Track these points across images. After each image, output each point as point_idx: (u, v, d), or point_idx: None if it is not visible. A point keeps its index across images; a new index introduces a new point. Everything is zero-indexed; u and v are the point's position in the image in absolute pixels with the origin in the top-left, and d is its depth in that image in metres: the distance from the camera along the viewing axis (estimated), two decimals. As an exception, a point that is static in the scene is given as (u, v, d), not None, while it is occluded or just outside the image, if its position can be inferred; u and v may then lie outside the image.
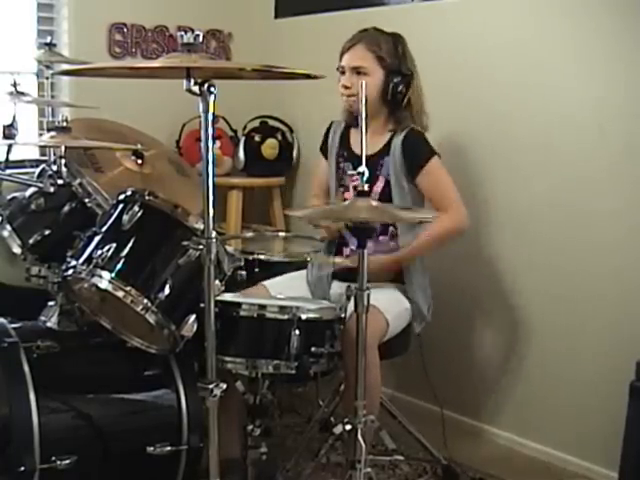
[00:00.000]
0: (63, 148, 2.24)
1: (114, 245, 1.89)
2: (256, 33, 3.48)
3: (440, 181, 2.35)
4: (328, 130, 2.55)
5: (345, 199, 2.40)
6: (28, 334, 2.03)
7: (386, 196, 2.32)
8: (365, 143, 1.89)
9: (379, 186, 2.35)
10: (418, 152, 2.33)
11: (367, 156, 2.33)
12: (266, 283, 2.39)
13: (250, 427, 2.03)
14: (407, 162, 2.33)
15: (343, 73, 2.36)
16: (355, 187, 2.39)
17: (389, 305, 2.24)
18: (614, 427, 2.12)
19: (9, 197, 2.35)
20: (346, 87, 2.34)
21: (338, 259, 2.39)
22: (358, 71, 2.32)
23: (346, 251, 2.43)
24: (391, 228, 2.37)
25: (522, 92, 2.61)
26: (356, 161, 2.39)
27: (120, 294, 1.85)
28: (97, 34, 3.17)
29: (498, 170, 2.72)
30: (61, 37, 3.12)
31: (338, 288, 2.38)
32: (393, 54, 2.32)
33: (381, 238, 2.37)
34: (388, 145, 2.35)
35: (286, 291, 2.29)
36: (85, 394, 2.00)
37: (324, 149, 2.55)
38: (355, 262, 1.80)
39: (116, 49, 3.22)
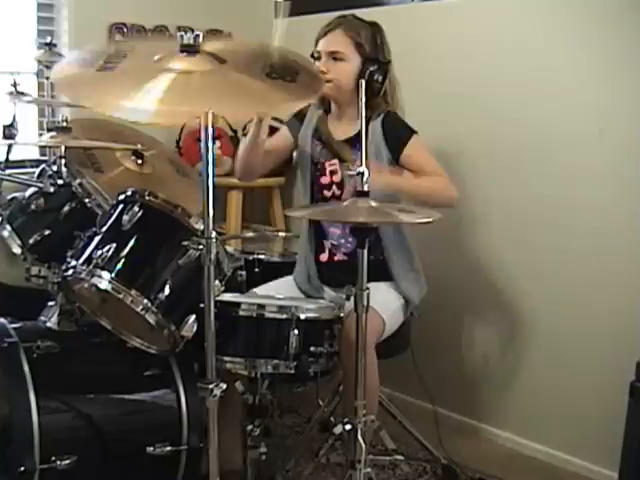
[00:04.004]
0: (63, 148, 2.25)
1: (114, 245, 1.89)
2: (256, 33, 3.46)
3: (422, 155, 2.32)
4: (304, 112, 2.45)
5: (321, 183, 2.39)
6: (28, 334, 2.04)
7: None
8: (365, 142, 1.88)
9: None
10: (399, 132, 2.32)
11: (344, 139, 2.34)
12: (257, 290, 2.37)
13: (250, 427, 2.04)
14: (390, 144, 2.31)
15: (319, 58, 2.32)
16: (332, 172, 2.40)
17: (384, 304, 2.23)
18: (614, 427, 2.12)
19: (9, 197, 2.35)
20: (322, 72, 2.29)
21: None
22: (335, 56, 2.29)
23: (327, 244, 2.40)
24: None
25: (522, 93, 2.60)
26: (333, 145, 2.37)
27: (120, 294, 1.85)
28: (97, 34, 3.17)
29: (496, 171, 2.72)
30: (61, 37, 3.12)
31: (331, 294, 2.37)
32: (371, 42, 2.30)
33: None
34: (365, 131, 2.32)
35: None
36: (85, 394, 2.00)
37: (294, 125, 2.47)
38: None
39: (116, 49, 3.22)
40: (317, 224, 2.42)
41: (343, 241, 2.37)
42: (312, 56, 2.34)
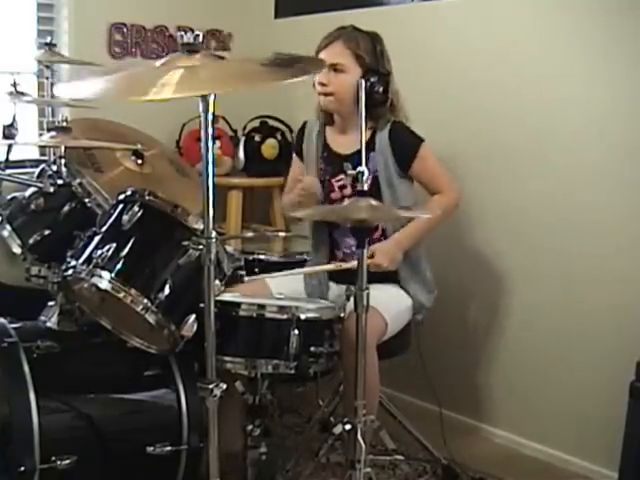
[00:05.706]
0: (63, 148, 2.25)
1: (114, 245, 1.89)
2: (256, 33, 3.48)
3: (431, 165, 2.35)
4: (302, 130, 2.51)
5: (332, 199, 2.40)
6: (28, 334, 2.04)
7: (374, 193, 2.27)
8: (364, 141, 1.88)
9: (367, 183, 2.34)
10: (407, 143, 2.33)
11: (350, 154, 2.34)
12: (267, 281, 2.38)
13: (250, 427, 2.04)
14: (398, 155, 2.32)
15: None
16: (341, 187, 2.40)
17: (389, 305, 2.24)
18: (614, 427, 2.12)
19: (9, 197, 2.35)
20: (323, 84, 2.31)
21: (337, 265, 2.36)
22: (335, 68, 2.29)
23: (339, 254, 2.42)
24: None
25: (521, 94, 2.61)
26: (337, 161, 2.38)
27: (120, 294, 1.85)
28: (97, 34, 3.17)
29: (495, 172, 2.72)
30: (61, 37, 3.12)
31: (336, 290, 2.38)
32: (371, 53, 2.30)
33: None
34: (372, 141, 2.32)
35: (285, 287, 2.29)
36: (85, 394, 2.00)
37: (299, 150, 2.52)
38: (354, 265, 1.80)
39: (116, 49, 3.22)
40: (329, 234, 2.43)
41: (355, 249, 2.37)
42: None
